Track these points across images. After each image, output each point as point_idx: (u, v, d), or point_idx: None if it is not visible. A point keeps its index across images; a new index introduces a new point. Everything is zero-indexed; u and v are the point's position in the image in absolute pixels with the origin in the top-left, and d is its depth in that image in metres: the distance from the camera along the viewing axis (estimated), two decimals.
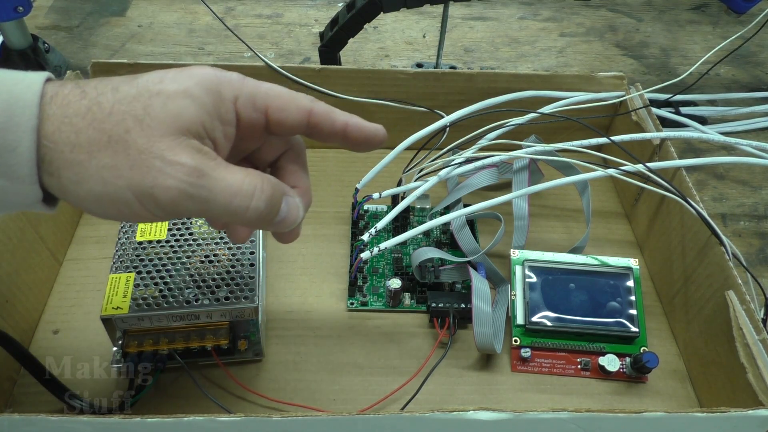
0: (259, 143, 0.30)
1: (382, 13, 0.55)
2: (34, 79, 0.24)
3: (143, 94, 0.24)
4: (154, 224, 0.41)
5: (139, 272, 0.38)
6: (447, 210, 0.51)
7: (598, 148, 0.47)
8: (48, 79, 0.24)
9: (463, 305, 0.43)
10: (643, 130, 0.50)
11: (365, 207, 0.52)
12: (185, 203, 0.24)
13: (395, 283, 0.44)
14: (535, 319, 0.43)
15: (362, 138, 0.30)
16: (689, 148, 0.62)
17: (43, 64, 0.62)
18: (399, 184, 0.49)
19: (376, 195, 0.48)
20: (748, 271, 0.42)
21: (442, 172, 0.48)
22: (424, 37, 0.77)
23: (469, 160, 0.48)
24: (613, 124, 0.57)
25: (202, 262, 0.39)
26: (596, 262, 0.45)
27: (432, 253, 0.45)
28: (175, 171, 0.24)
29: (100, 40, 0.73)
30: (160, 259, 0.39)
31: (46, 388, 0.36)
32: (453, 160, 0.48)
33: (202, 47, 0.72)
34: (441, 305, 0.44)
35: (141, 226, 0.41)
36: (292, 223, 0.28)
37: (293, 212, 0.28)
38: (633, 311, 0.43)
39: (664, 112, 0.63)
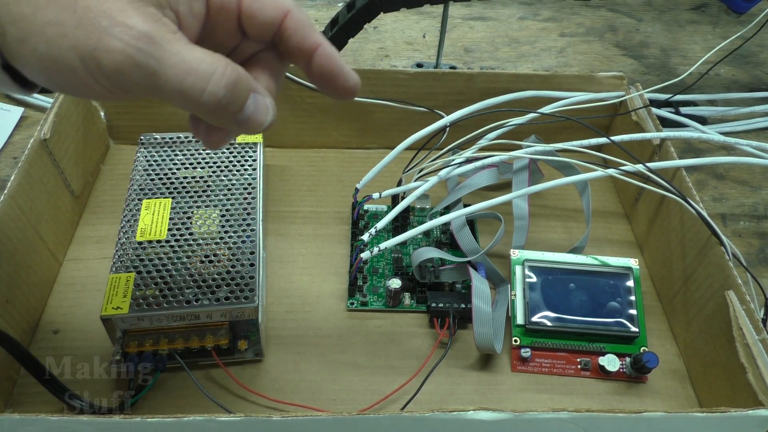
0: (231, 42, 0.27)
1: (382, 13, 0.55)
2: None
3: None
4: (154, 224, 0.41)
5: (139, 272, 0.38)
6: (447, 210, 0.51)
7: (598, 148, 0.47)
8: None
9: (463, 305, 0.43)
10: (643, 130, 0.50)
11: (365, 207, 0.52)
12: (131, 71, 0.21)
13: (395, 283, 0.44)
14: (535, 319, 0.43)
15: (327, 70, 0.26)
16: (689, 148, 0.62)
17: None
18: (399, 184, 0.49)
19: (376, 195, 0.48)
20: (748, 271, 0.42)
21: (442, 172, 0.48)
22: (424, 37, 0.77)
23: (469, 160, 0.48)
24: (613, 124, 0.57)
25: (202, 262, 0.39)
26: (596, 262, 0.45)
27: (432, 253, 0.45)
28: (121, 32, 0.21)
29: None
30: (160, 259, 0.39)
31: (46, 388, 0.36)
32: (453, 160, 0.48)
33: None
34: (441, 305, 0.44)
35: (141, 225, 0.41)
36: (258, 124, 0.25)
37: (261, 112, 0.25)
38: (633, 311, 0.43)
39: (664, 112, 0.63)
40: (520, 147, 0.48)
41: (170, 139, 0.48)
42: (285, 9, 0.26)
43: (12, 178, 0.41)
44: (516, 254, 0.46)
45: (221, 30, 0.26)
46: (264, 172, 0.48)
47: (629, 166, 0.44)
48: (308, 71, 0.27)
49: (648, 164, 0.44)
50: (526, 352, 0.43)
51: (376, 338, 0.44)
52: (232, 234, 0.41)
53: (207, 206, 0.43)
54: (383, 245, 0.44)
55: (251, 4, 0.25)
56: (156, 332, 0.38)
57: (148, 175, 0.45)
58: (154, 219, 0.42)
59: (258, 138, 0.49)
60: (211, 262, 0.39)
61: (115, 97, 0.23)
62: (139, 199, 0.43)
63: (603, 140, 0.47)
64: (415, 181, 0.49)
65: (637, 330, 0.42)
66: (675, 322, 0.46)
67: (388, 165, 0.48)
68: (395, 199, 0.50)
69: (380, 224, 0.45)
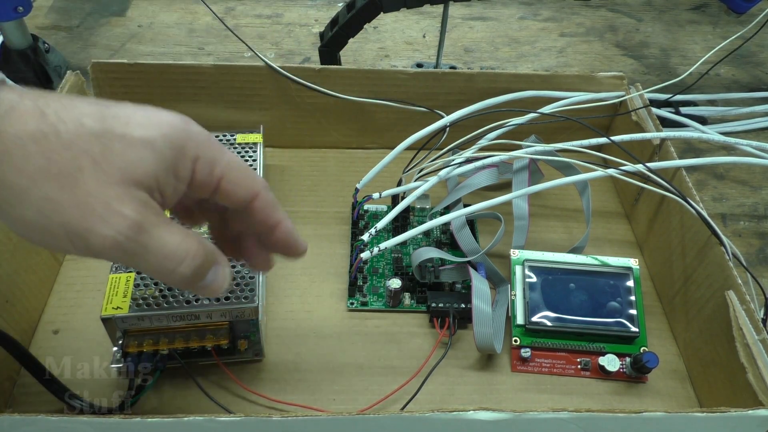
0: (201, 197, 0.29)
1: (382, 13, 0.55)
2: None
3: (107, 134, 0.23)
4: None
5: (139, 272, 0.38)
6: (447, 210, 0.51)
7: (598, 148, 0.47)
8: (2, 81, 0.23)
9: (463, 305, 0.43)
10: (643, 130, 0.50)
11: (365, 207, 0.52)
12: (115, 254, 0.24)
13: (395, 283, 0.44)
14: (535, 319, 0.43)
15: (286, 242, 0.30)
16: (689, 148, 0.62)
17: (43, 64, 0.62)
18: (399, 184, 0.49)
19: (376, 195, 0.48)
20: (748, 271, 0.42)
21: (442, 172, 0.48)
22: (424, 37, 0.77)
23: (469, 160, 0.48)
24: (613, 124, 0.57)
25: None
26: (596, 262, 0.45)
27: (432, 253, 0.45)
28: (116, 221, 0.23)
29: (100, 40, 0.73)
30: None
31: (46, 388, 0.36)
32: (453, 160, 0.48)
33: (202, 47, 0.72)
34: (441, 305, 0.44)
35: None
36: (215, 292, 0.28)
37: (219, 282, 0.27)
38: (633, 311, 0.43)
39: (664, 112, 0.63)
40: (520, 147, 0.48)
41: None
42: (256, 191, 0.28)
43: None
44: (516, 254, 0.46)
45: (192, 194, 0.28)
46: (264, 172, 0.48)
47: (629, 166, 0.44)
48: (265, 240, 0.31)
49: (648, 164, 0.44)
50: (526, 352, 0.43)
51: (376, 338, 0.44)
52: None
53: None
54: (383, 245, 0.44)
55: (228, 186, 0.27)
56: (156, 332, 0.38)
57: None
58: None
59: (258, 138, 0.49)
60: None
61: (84, 257, 0.25)
62: None
63: (603, 140, 0.47)
64: (415, 181, 0.49)
65: (637, 330, 0.42)
66: (675, 322, 0.46)
67: (388, 165, 0.48)
68: (395, 199, 0.50)
69: (380, 224, 0.45)
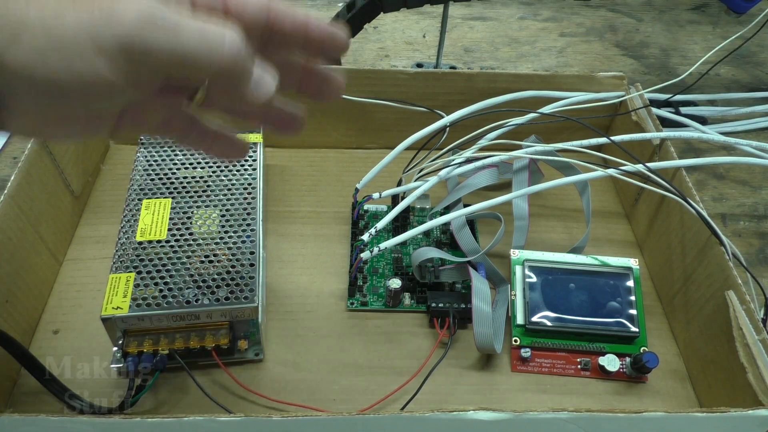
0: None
1: (382, 13, 0.55)
2: None
3: None
4: (154, 224, 0.41)
5: (139, 272, 0.38)
6: (447, 210, 0.51)
7: (598, 148, 0.47)
8: None
9: (463, 305, 0.43)
10: (643, 130, 0.50)
11: (365, 207, 0.52)
12: (153, 32, 0.20)
13: (395, 283, 0.44)
14: (535, 319, 0.43)
15: (326, 33, 0.27)
16: (689, 148, 0.62)
17: None
18: (399, 184, 0.49)
19: (376, 195, 0.48)
20: (748, 271, 0.42)
21: (442, 172, 0.48)
22: (424, 37, 0.77)
23: (469, 160, 0.48)
24: (613, 124, 0.57)
25: (202, 262, 0.39)
26: (596, 262, 0.45)
27: (432, 253, 0.45)
28: None
29: None
30: (160, 259, 0.39)
31: (46, 388, 0.36)
32: (453, 160, 0.48)
33: None
34: (441, 305, 0.44)
35: (141, 225, 0.41)
36: (267, 89, 0.24)
37: (267, 76, 0.24)
38: (633, 311, 0.43)
39: (664, 112, 0.63)
40: (520, 147, 0.48)
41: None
42: (266, 1, 0.26)
43: (12, 178, 0.41)
44: (516, 254, 0.46)
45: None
46: (264, 172, 0.48)
47: (629, 166, 0.44)
48: (307, 46, 0.27)
49: (648, 164, 0.44)
50: (526, 352, 0.43)
51: (376, 338, 0.44)
52: (232, 234, 0.41)
53: (207, 206, 0.43)
54: (383, 245, 0.44)
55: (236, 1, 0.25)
56: (156, 332, 0.38)
57: (148, 175, 0.45)
58: (154, 219, 0.42)
59: (258, 138, 0.49)
60: (211, 262, 0.39)
61: (119, 92, 0.21)
62: (139, 199, 0.43)
63: (603, 140, 0.47)
64: (415, 181, 0.49)
65: (637, 330, 0.42)
66: (675, 322, 0.46)
67: (388, 165, 0.48)
68: (395, 199, 0.50)
69: (380, 224, 0.45)
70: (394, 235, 0.47)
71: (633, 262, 0.45)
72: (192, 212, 0.42)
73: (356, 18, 0.56)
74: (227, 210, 0.43)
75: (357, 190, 0.49)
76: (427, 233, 0.50)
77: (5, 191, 0.40)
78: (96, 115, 0.24)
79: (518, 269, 0.45)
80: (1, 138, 0.57)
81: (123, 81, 0.21)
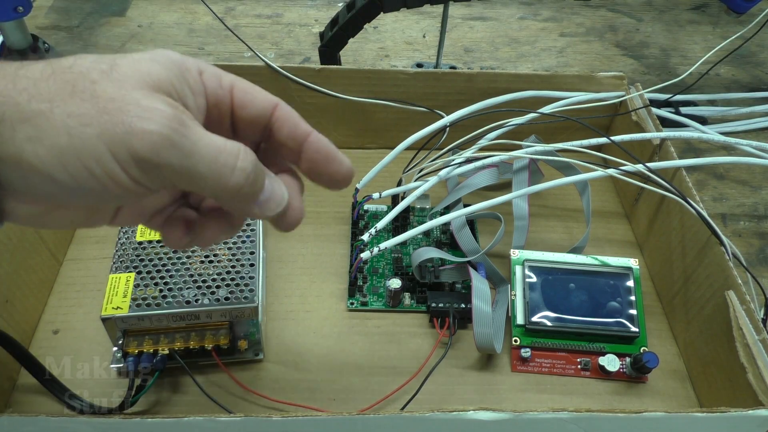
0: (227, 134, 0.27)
1: (382, 13, 0.55)
2: None
3: (111, 59, 0.22)
4: None
5: (139, 272, 0.38)
6: (447, 210, 0.51)
7: (598, 148, 0.47)
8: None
9: (463, 305, 0.43)
10: (643, 130, 0.50)
11: (365, 207, 0.52)
12: (167, 153, 0.21)
13: (395, 283, 0.44)
14: (535, 319, 0.43)
15: (322, 154, 0.27)
16: (689, 148, 0.62)
17: None
18: (399, 184, 0.49)
19: (376, 195, 0.48)
20: (748, 271, 0.42)
21: (442, 172, 0.48)
22: (424, 37, 0.77)
23: (469, 160, 0.48)
24: (613, 124, 0.57)
25: (202, 262, 0.39)
26: (596, 262, 0.45)
27: (432, 253, 0.45)
28: (154, 114, 0.21)
29: (100, 40, 0.73)
30: (160, 259, 0.39)
31: (46, 388, 0.36)
32: (453, 160, 0.48)
33: (202, 47, 0.72)
34: (441, 305, 0.44)
35: (141, 225, 0.41)
36: (277, 204, 0.25)
37: (278, 192, 0.25)
38: (633, 311, 0.43)
39: (664, 112, 0.63)
40: (520, 147, 0.48)
41: None
42: (274, 101, 0.27)
43: None
44: (516, 254, 0.46)
45: (214, 129, 0.26)
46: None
47: (629, 166, 0.44)
48: (300, 161, 0.27)
49: (648, 164, 0.44)
50: (526, 352, 0.43)
51: (376, 338, 0.44)
52: None
53: None
54: (383, 245, 0.44)
55: (243, 97, 0.26)
56: (156, 332, 0.38)
57: None
58: None
59: None
60: (211, 262, 0.39)
61: (130, 194, 0.23)
62: None
63: (603, 140, 0.47)
64: (415, 181, 0.49)
65: (637, 330, 0.42)
66: (675, 322, 0.46)
67: (388, 165, 0.48)
68: (395, 199, 0.50)
69: (380, 224, 0.45)
70: (394, 235, 0.47)
71: (633, 262, 0.45)
72: None
73: (356, 18, 0.56)
74: None
75: (357, 190, 0.49)
76: (427, 233, 0.50)
77: None
78: (98, 210, 0.26)
79: (518, 269, 0.45)
80: None
81: (134, 186, 0.22)
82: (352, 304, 0.46)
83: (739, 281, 0.38)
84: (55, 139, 0.20)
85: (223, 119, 0.26)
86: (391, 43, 0.76)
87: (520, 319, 0.43)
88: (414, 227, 0.44)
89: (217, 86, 0.25)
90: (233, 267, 0.39)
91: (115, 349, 0.37)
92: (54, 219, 0.24)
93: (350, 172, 0.28)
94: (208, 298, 0.37)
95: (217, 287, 0.38)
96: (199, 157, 0.22)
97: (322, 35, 0.60)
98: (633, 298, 0.44)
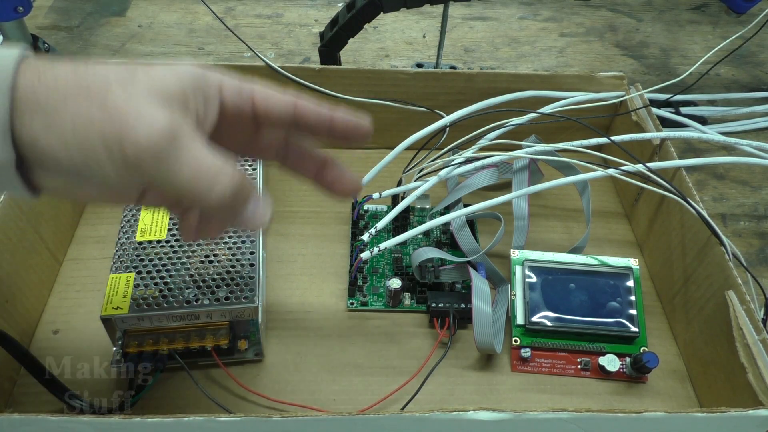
0: (245, 137, 0.31)
1: (382, 13, 0.55)
2: (12, 48, 0.24)
3: (131, 68, 0.25)
4: (154, 224, 0.41)
5: (139, 272, 0.38)
6: (447, 210, 0.51)
7: (598, 148, 0.47)
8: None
9: (463, 305, 0.43)
10: (643, 130, 0.50)
11: (365, 207, 0.52)
12: (149, 162, 0.23)
13: (395, 283, 0.44)
14: (535, 319, 0.43)
15: (351, 125, 0.30)
16: (689, 148, 0.62)
17: None
18: (399, 184, 0.49)
19: (376, 195, 0.48)
20: (748, 271, 0.42)
21: (442, 172, 0.48)
22: (424, 37, 0.77)
23: (469, 160, 0.48)
24: (613, 124, 0.57)
25: (202, 262, 0.39)
26: (596, 262, 0.45)
27: (432, 253, 0.45)
28: (147, 125, 0.23)
29: (100, 40, 0.73)
30: (160, 259, 0.39)
31: (46, 388, 0.36)
32: (453, 160, 0.48)
33: (202, 47, 0.72)
34: (441, 305, 0.44)
35: (141, 225, 0.41)
36: (257, 225, 0.28)
37: (261, 213, 0.27)
38: (633, 311, 0.43)
39: (664, 112, 0.63)
40: (520, 147, 0.48)
41: None
42: (293, 99, 0.29)
43: None
44: (516, 254, 0.46)
45: (236, 130, 0.29)
46: (264, 173, 0.48)
47: (629, 166, 0.44)
48: (332, 135, 0.30)
49: (648, 164, 0.44)
50: (526, 352, 0.43)
51: (376, 338, 0.44)
52: (232, 234, 0.41)
53: None
54: (383, 245, 0.44)
55: (264, 103, 0.28)
56: (156, 332, 0.38)
57: None
58: (154, 219, 0.42)
59: None
60: (211, 262, 0.39)
61: (124, 187, 0.27)
62: None
63: (603, 140, 0.47)
64: (415, 181, 0.49)
65: (637, 330, 0.42)
66: (675, 322, 0.46)
67: (388, 165, 0.48)
68: (395, 199, 0.50)
69: (380, 224, 0.45)
70: (394, 235, 0.47)
71: (633, 262, 0.45)
72: None
73: (356, 18, 0.56)
74: None
75: None
76: (427, 233, 0.50)
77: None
78: (119, 192, 0.29)
79: (518, 269, 0.45)
80: None
81: (127, 183, 0.25)
82: (352, 304, 0.46)
83: (739, 281, 0.38)
84: (62, 132, 0.23)
85: (246, 127, 0.29)
86: (391, 43, 0.76)
87: (520, 319, 0.43)
88: (414, 227, 0.44)
89: (236, 97, 0.28)
90: (233, 267, 0.39)
91: (115, 349, 0.37)
92: (82, 194, 0.28)
93: (369, 128, 0.30)
94: (208, 298, 0.37)
95: (217, 287, 0.38)
96: (180, 173, 0.24)
97: (322, 35, 0.60)
98: (633, 298, 0.44)
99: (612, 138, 0.46)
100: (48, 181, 0.26)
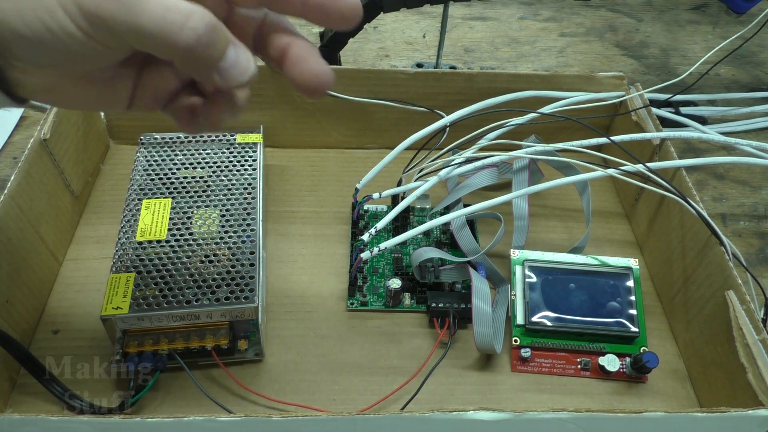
0: (220, 18, 0.26)
1: (382, 13, 0.55)
2: None
3: None
4: (154, 224, 0.41)
5: (139, 272, 0.38)
6: (447, 210, 0.51)
7: (598, 148, 0.47)
8: None
9: (463, 305, 0.43)
10: (643, 130, 0.50)
11: (365, 207, 0.52)
12: (110, 6, 0.21)
13: (395, 283, 0.44)
14: (535, 319, 0.43)
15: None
16: (689, 148, 0.62)
17: None
18: (399, 184, 0.49)
19: (376, 195, 0.48)
20: (748, 271, 0.42)
21: (442, 172, 0.48)
22: (424, 37, 0.77)
23: (469, 160, 0.48)
24: (613, 124, 0.57)
25: (202, 262, 0.39)
26: (596, 262, 0.45)
27: (432, 253, 0.45)
28: None
29: None
30: (160, 259, 0.39)
31: (46, 388, 0.36)
32: (453, 160, 0.48)
33: None
34: (441, 305, 0.44)
35: (141, 225, 0.41)
36: (240, 74, 0.25)
37: (242, 62, 0.24)
38: (633, 311, 0.43)
39: (664, 112, 0.63)
40: (520, 147, 0.48)
41: (170, 139, 0.48)
42: None
43: (12, 178, 0.41)
44: (516, 254, 0.46)
45: (206, 7, 0.25)
46: (264, 172, 0.48)
47: (629, 166, 0.44)
48: (308, 8, 0.26)
49: (648, 164, 0.44)
50: (526, 352, 0.43)
51: (376, 338, 0.44)
52: (232, 234, 0.41)
53: (207, 206, 0.43)
54: (383, 245, 0.44)
55: None
56: (156, 332, 0.38)
57: (148, 175, 0.45)
58: (154, 219, 0.42)
59: (258, 138, 0.49)
60: (211, 262, 0.39)
61: (92, 52, 0.23)
62: (139, 199, 0.43)
63: (603, 140, 0.47)
64: (415, 181, 0.49)
65: (637, 330, 0.42)
66: (675, 322, 0.46)
67: (388, 165, 0.48)
68: (395, 199, 0.50)
69: (380, 224, 0.45)
70: (394, 235, 0.47)
71: (633, 262, 0.45)
72: (192, 212, 0.43)
73: None
74: (227, 210, 0.43)
75: (357, 190, 0.49)
76: (427, 233, 0.50)
77: (5, 191, 0.40)
78: (108, 90, 0.26)
79: (518, 269, 0.45)
80: (1, 138, 0.58)
81: (91, 42, 0.22)
82: (352, 304, 0.46)
83: (739, 281, 0.38)
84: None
85: (217, 4, 0.26)
86: (391, 43, 0.76)
87: (520, 319, 0.43)
88: (414, 227, 0.44)
89: None
90: (233, 267, 0.39)
91: (115, 349, 0.37)
92: (66, 96, 0.25)
93: (358, 12, 0.27)
94: (208, 298, 0.37)
95: (217, 287, 0.38)
96: (145, 13, 0.21)
97: (322, 35, 0.60)
98: (633, 298, 0.44)
99: (612, 138, 0.46)
100: (25, 78, 0.24)
